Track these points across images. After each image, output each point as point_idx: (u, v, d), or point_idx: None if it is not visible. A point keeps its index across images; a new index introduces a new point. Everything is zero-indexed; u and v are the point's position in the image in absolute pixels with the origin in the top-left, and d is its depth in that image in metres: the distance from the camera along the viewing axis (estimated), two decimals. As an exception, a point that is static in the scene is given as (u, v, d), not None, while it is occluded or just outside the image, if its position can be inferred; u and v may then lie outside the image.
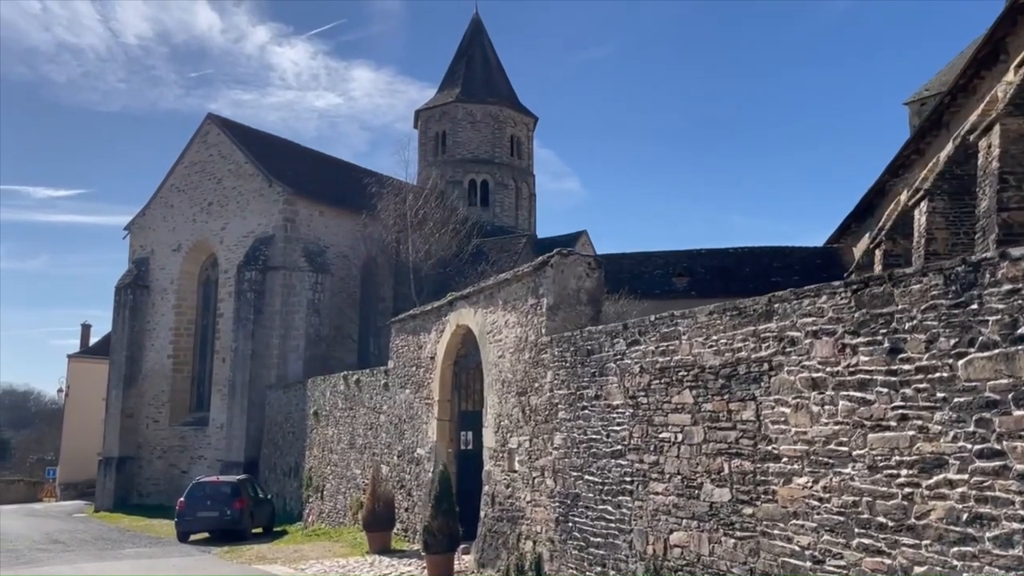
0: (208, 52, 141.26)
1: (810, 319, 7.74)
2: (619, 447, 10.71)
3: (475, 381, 17.24)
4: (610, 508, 10.78)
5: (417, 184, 38.76)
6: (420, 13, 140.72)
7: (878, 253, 24.37)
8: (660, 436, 9.91)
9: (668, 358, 9.89)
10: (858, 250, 30.81)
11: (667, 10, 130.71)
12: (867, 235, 28.93)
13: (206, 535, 23.29)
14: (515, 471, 13.58)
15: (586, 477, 11.42)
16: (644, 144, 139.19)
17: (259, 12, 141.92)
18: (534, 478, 12.87)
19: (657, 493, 9.88)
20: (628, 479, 10.47)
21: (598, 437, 11.22)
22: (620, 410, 10.79)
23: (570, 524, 11.68)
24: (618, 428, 10.78)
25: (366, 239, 36.03)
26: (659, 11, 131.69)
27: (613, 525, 10.68)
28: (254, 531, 23.51)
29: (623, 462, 10.60)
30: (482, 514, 14.42)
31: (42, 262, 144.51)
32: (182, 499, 22.70)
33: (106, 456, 36.81)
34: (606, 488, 10.92)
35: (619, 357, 10.88)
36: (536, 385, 13.11)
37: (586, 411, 11.56)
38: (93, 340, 49.95)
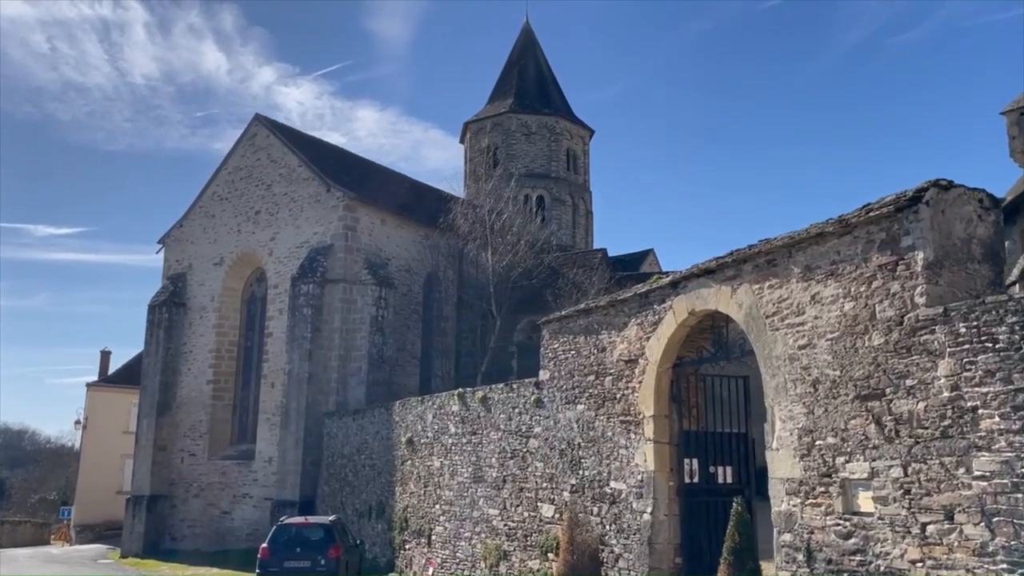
0: (214, 92, 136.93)
1: None
2: None
3: (695, 392, 12.53)
4: None
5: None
6: (426, 55, 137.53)
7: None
8: None
9: None
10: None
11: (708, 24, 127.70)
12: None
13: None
14: (860, 512, 8.77)
15: (1089, 523, 6.67)
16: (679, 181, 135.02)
17: (265, 53, 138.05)
18: (924, 524, 8.06)
19: None
20: None
21: (1120, 457, 6.49)
22: None
23: (1051, 601, 6.89)
24: None
25: (432, 249, 31.26)
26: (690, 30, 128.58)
27: None
28: (343, 584, 18.37)
29: None
30: (785, 576, 9.57)
31: (42, 300, 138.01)
32: (265, 545, 17.58)
33: (135, 495, 31.33)
34: None
35: None
36: (908, 383, 8.36)
37: (1073, 415, 6.83)
38: (113, 368, 44.48)
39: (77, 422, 41.80)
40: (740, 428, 12.56)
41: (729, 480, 12.31)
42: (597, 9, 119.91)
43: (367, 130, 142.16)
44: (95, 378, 44.46)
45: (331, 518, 18.85)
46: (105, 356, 44.26)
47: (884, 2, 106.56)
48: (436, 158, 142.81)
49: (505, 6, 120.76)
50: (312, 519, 18.95)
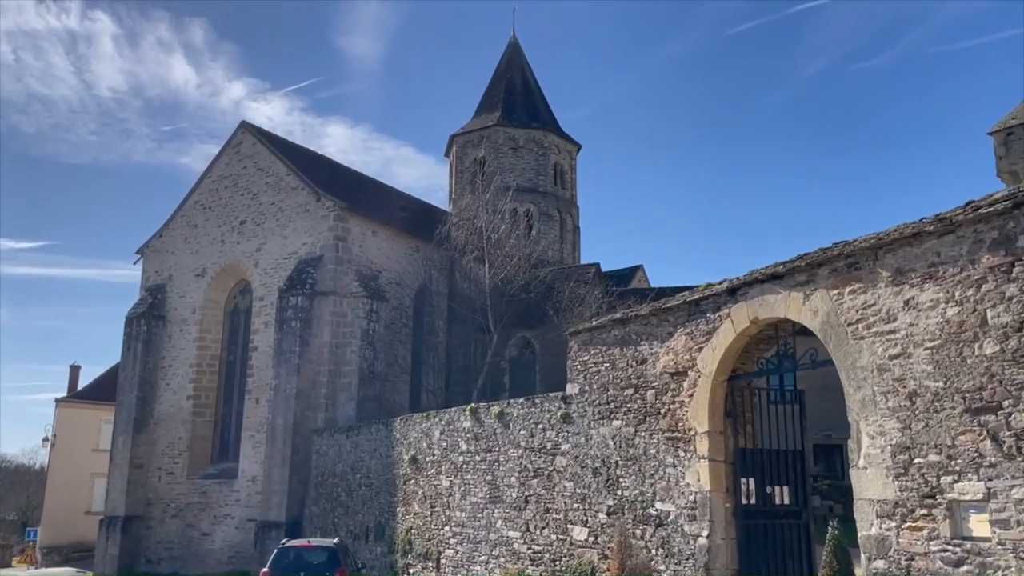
0: (182, 106, 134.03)
1: None
2: None
3: (750, 407, 11.69)
4: None
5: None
6: (398, 73, 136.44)
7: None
8: None
9: None
10: None
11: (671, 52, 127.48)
12: None
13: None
14: (973, 537, 7.95)
15: None
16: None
17: (236, 68, 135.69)
18: (1059, 550, 7.26)
19: None
20: None
21: None
22: None
23: None
24: None
25: (424, 262, 30.25)
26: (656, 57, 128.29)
27: None
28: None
29: None
30: (877, 606, 8.71)
31: (1, 315, 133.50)
32: (266, 569, 16.31)
33: (109, 515, 29.66)
34: None
35: None
36: (1031, 394, 7.59)
37: None
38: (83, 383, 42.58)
39: (45, 439, 39.86)
40: (795, 445, 11.75)
41: (786, 501, 11.48)
42: (574, 30, 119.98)
43: (338, 147, 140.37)
44: (62, 394, 42.50)
45: (335, 540, 17.65)
46: (74, 371, 42.39)
47: (849, 29, 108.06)
48: (408, 175, 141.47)
49: (477, 26, 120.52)
50: (315, 541, 17.72)
